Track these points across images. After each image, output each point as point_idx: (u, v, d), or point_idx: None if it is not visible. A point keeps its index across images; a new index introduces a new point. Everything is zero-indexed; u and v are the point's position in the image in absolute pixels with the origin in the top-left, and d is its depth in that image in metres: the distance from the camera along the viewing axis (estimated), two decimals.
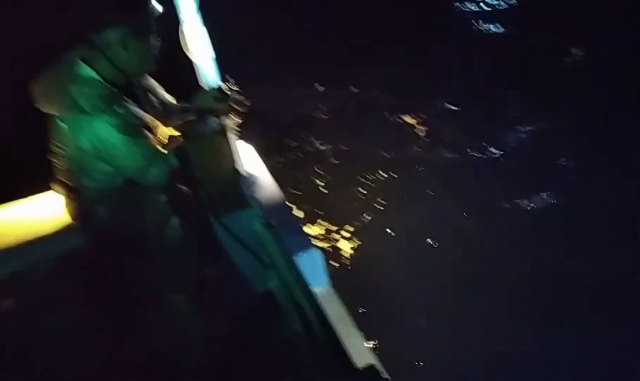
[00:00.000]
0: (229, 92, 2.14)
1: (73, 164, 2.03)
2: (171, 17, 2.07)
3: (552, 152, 4.90)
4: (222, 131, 2.13)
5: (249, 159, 2.39)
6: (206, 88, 2.22)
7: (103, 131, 1.89)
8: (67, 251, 2.26)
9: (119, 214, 2.09)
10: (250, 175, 2.31)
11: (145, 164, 1.97)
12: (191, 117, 2.21)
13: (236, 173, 2.26)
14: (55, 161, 2.07)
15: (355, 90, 6.01)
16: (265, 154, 2.70)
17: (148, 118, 2.05)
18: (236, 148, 2.24)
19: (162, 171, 2.01)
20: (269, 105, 5.36)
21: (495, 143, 5.08)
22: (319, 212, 4.45)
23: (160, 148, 2.04)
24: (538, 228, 4.18)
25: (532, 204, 4.39)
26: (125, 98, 1.96)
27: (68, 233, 2.19)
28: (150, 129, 2.02)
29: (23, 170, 2.22)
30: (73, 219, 2.14)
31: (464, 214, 4.34)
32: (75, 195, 2.09)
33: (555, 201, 4.38)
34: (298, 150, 5.25)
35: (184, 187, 2.22)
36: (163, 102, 2.25)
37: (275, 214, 2.20)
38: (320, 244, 4.10)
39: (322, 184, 4.85)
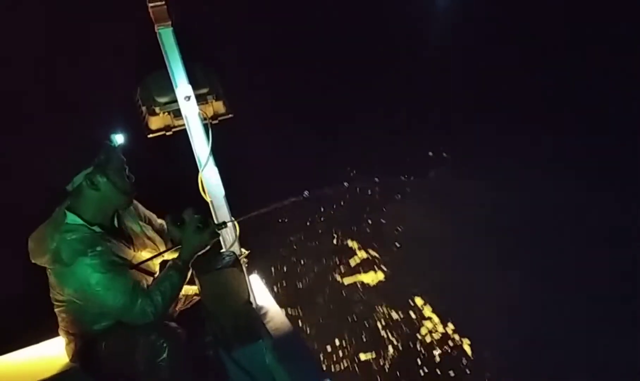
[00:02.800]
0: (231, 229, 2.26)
1: (67, 312, 2.14)
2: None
3: None
4: (236, 265, 2.21)
5: (257, 290, 2.45)
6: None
7: (83, 274, 2.00)
8: None
9: (116, 355, 2.10)
10: (260, 306, 2.36)
11: (128, 300, 2.03)
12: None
13: (249, 305, 2.30)
14: (55, 309, 2.17)
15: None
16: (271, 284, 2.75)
17: (131, 254, 2.17)
18: (249, 280, 2.31)
19: (148, 306, 2.05)
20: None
21: None
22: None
23: (143, 283, 2.12)
24: None
25: None
26: (107, 237, 2.09)
27: (74, 374, 2.20)
28: (132, 266, 2.12)
29: (33, 318, 2.27)
30: (76, 361, 2.22)
31: None
32: (76, 338, 2.19)
33: None
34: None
35: (172, 324, 2.23)
36: (153, 229, 2.37)
37: (286, 344, 2.21)
38: None
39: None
